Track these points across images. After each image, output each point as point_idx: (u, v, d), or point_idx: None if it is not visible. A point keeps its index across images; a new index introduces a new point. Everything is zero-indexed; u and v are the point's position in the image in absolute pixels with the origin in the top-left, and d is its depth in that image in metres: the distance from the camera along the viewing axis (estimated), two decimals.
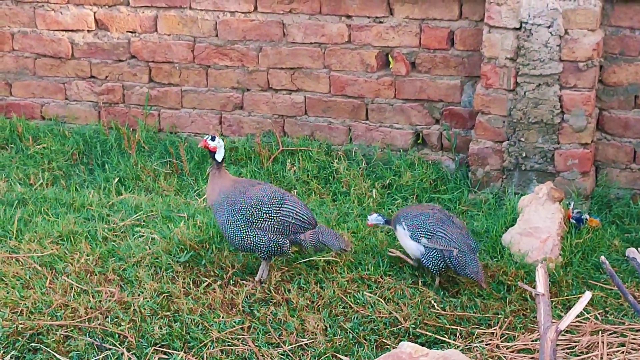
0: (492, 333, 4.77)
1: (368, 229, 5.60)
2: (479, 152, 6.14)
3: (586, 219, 5.69)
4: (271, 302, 4.94)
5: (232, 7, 6.55)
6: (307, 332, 4.72)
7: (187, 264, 5.21)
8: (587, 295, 4.03)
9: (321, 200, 6.13)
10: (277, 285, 5.05)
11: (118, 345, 4.56)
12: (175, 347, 4.58)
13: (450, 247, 5.00)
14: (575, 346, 4.63)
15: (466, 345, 4.66)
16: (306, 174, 6.35)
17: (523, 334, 4.76)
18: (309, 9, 6.42)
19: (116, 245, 5.41)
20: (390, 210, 5.93)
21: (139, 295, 4.91)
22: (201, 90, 6.77)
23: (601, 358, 4.49)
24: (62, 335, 4.60)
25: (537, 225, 5.47)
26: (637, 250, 4.30)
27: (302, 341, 4.66)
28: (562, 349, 4.60)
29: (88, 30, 6.85)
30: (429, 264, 5.05)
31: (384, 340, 4.68)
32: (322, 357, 4.57)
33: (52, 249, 5.32)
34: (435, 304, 4.95)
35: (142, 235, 5.51)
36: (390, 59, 6.40)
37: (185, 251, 5.30)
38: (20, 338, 4.58)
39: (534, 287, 4.32)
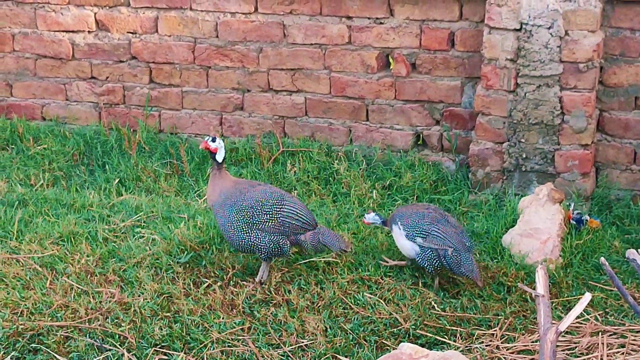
0: (492, 334, 4.77)
1: (368, 230, 5.60)
2: (479, 153, 6.14)
3: (586, 220, 5.69)
4: (271, 303, 4.94)
5: (233, 8, 6.55)
6: (307, 333, 4.72)
7: (188, 265, 5.21)
8: (587, 296, 4.03)
9: (321, 201, 6.13)
10: (277, 286, 5.05)
11: (118, 346, 4.56)
12: (176, 348, 4.58)
13: (445, 246, 5.01)
14: (575, 347, 4.63)
15: (466, 347, 4.66)
16: (306, 174, 6.35)
17: (523, 335, 4.76)
18: (310, 10, 6.42)
19: (116, 246, 5.42)
20: (390, 211, 5.93)
21: (139, 296, 4.91)
22: (202, 91, 6.77)
23: (601, 359, 4.49)
24: (62, 336, 4.60)
25: (538, 227, 5.47)
26: (637, 251, 4.30)
27: (303, 342, 4.66)
28: (562, 350, 4.60)
29: (89, 31, 6.85)
30: (425, 264, 5.05)
31: (384, 341, 4.69)
32: (322, 358, 4.57)
33: (53, 250, 5.32)
34: (435, 305, 4.95)
35: (143, 236, 5.52)
36: (391, 60, 6.40)
37: (186, 252, 5.30)
38: (20, 339, 4.58)
39: (534, 288, 4.31)
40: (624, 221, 5.94)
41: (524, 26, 5.81)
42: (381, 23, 6.33)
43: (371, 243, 5.48)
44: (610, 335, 4.71)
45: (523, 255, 5.36)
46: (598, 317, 4.90)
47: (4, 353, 4.51)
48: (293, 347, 4.63)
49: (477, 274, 5.02)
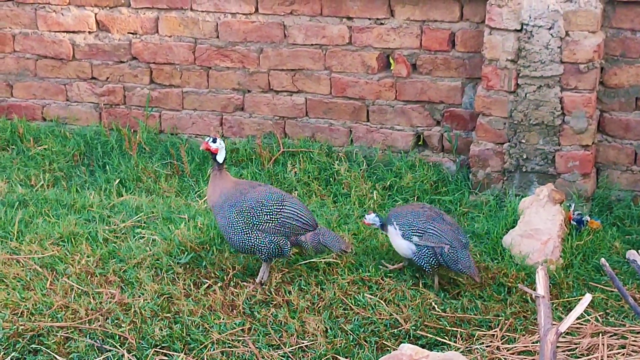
0: (493, 335, 4.77)
1: (369, 231, 5.60)
2: (479, 153, 6.14)
3: (587, 221, 5.69)
4: (272, 303, 4.94)
5: (233, 8, 6.55)
6: (307, 333, 4.72)
7: (188, 266, 5.21)
8: (588, 297, 4.03)
9: (322, 201, 6.13)
10: (277, 286, 5.05)
11: (118, 347, 4.56)
12: (176, 349, 4.58)
13: (441, 244, 5.02)
14: (576, 348, 4.63)
15: (466, 347, 4.66)
16: (307, 175, 6.35)
17: (523, 335, 4.76)
18: (310, 10, 6.42)
19: (117, 246, 5.42)
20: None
21: (139, 296, 4.91)
22: (202, 91, 6.77)
23: None
24: (62, 337, 4.60)
25: (538, 227, 5.47)
26: (638, 252, 4.29)
27: (303, 343, 4.66)
28: (562, 351, 4.60)
29: (89, 32, 6.85)
30: (421, 262, 5.06)
31: (385, 342, 4.68)
32: (323, 359, 4.57)
33: (53, 250, 5.32)
34: (435, 306, 4.95)
35: (143, 237, 5.51)
36: (391, 61, 6.40)
37: (186, 253, 5.30)
38: (20, 339, 4.58)
39: (535, 289, 4.31)
40: (624, 222, 5.94)
41: (524, 27, 5.81)
42: (382, 24, 6.33)
43: (372, 244, 5.47)
44: (611, 336, 4.71)
45: (523, 256, 5.36)
46: (598, 318, 4.89)
47: (4, 354, 4.51)
48: (293, 347, 4.63)
49: (474, 270, 5.03)
